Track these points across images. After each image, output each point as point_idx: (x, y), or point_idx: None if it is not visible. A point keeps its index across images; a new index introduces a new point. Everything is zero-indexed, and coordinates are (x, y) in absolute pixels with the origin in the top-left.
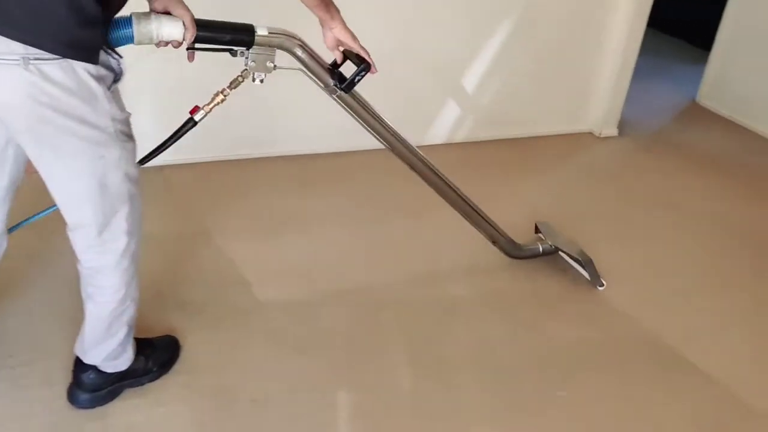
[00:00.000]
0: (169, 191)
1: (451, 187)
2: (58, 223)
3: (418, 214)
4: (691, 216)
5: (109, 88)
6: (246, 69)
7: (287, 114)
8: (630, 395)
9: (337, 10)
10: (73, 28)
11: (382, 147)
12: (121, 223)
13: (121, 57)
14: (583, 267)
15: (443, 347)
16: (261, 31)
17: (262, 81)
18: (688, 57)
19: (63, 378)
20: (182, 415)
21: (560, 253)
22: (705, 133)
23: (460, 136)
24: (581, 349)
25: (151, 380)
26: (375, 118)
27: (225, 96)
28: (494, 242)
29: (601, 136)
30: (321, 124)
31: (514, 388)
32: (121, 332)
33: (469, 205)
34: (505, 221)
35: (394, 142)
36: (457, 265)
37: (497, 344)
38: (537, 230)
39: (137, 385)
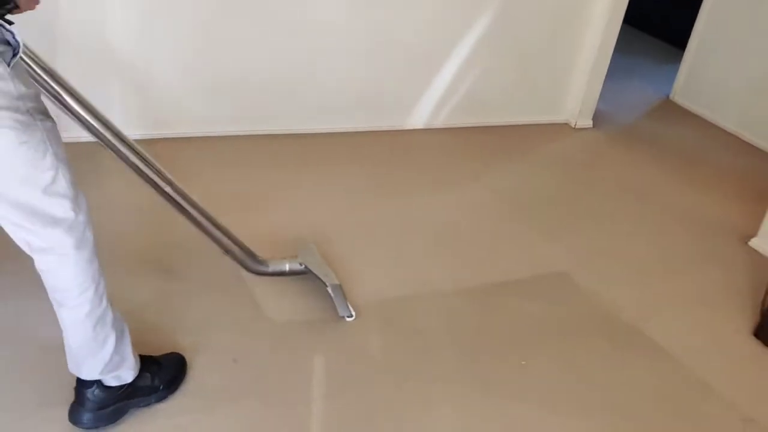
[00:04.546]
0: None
1: (174, 188)
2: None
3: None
4: (655, 204)
5: (9, 65)
6: None
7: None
8: (586, 367)
9: None
10: None
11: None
12: (64, 210)
13: (12, 23)
14: (332, 293)
15: (415, 317)
16: None
17: None
18: (664, 55)
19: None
20: None
21: (310, 274)
22: (676, 128)
23: (439, 122)
24: (544, 324)
25: (159, 400)
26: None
27: None
28: (226, 252)
29: (577, 127)
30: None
31: (481, 356)
32: (110, 339)
33: (192, 205)
34: (467, 202)
35: (81, 114)
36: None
37: (466, 318)
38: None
39: (144, 405)
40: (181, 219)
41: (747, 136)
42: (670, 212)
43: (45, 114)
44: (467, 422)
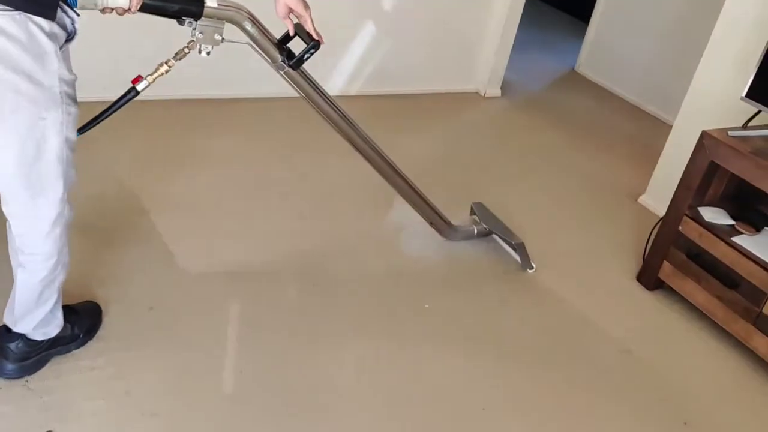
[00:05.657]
0: None
1: (397, 173)
2: None
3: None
4: (556, 166)
5: (60, 48)
6: (193, 40)
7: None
8: (485, 310)
9: None
10: None
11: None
12: (56, 189)
13: (78, 15)
14: (515, 250)
15: (326, 269)
16: (210, 3)
17: (208, 53)
18: (571, 29)
19: None
20: None
21: (494, 235)
22: (579, 97)
23: (354, 89)
24: (451, 274)
25: (78, 347)
26: (321, 96)
27: (170, 67)
28: (431, 223)
29: (486, 95)
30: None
31: (389, 302)
32: (51, 299)
33: (413, 189)
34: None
35: (338, 121)
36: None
37: (375, 270)
38: (472, 212)
39: (65, 352)
40: (96, 176)
41: (642, 104)
42: (570, 173)
43: (73, 100)
44: (373, 362)
